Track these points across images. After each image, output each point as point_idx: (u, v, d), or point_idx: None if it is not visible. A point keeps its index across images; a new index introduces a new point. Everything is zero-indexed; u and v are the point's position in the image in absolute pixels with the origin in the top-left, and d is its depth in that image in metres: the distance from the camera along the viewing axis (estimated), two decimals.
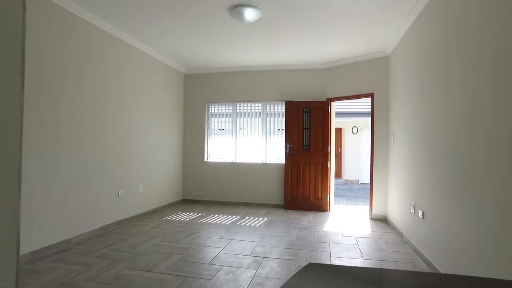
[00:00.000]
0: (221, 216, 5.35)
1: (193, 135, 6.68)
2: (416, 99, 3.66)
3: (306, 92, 6.12)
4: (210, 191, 6.52)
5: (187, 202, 6.56)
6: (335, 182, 10.93)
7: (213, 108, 6.68)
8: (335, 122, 6.29)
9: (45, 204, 3.35)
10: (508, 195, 1.86)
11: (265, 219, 5.18)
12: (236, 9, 3.73)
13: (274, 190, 6.21)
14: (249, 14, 3.78)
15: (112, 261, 3.13)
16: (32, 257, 3.16)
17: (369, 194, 6.54)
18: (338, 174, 12.23)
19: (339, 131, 12.18)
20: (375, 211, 5.29)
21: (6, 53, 1.09)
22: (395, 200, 4.62)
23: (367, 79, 5.37)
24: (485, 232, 2.12)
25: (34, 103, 3.23)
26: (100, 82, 4.20)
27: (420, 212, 3.42)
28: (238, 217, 5.29)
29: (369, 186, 5.41)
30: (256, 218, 5.21)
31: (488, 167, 2.09)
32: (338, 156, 12.28)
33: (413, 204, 3.66)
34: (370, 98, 5.39)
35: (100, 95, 4.19)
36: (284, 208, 6.02)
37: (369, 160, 5.48)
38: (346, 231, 4.50)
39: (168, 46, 5.13)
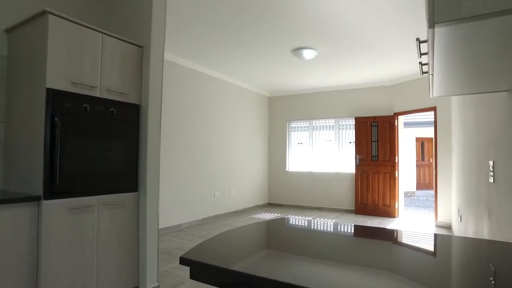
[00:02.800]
0: (297, 217, 6.34)
1: (276, 148, 7.86)
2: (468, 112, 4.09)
3: (374, 108, 6.71)
4: (290, 196, 7.57)
5: (271, 205, 7.73)
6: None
7: (292, 124, 7.77)
8: (403, 134, 6.68)
9: (167, 198, 4.91)
10: None
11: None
12: (296, 51, 4.78)
13: (345, 196, 6.91)
14: (308, 54, 4.78)
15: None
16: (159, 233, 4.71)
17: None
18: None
19: None
20: (440, 218, 5.56)
21: (156, 96, 2.40)
22: (455, 209, 4.92)
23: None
24: None
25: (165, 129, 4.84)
26: (202, 111, 5.72)
27: (463, 220, 3.85)
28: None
29: (434, 195, 5.70)
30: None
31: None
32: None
33: (459, 211, 4.07)
34: (432, 112, 5.72)
35: (203, 121, 5.70)
36: (355, 213, 6.66)
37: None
38: None
39: (252, 77, 6.45)
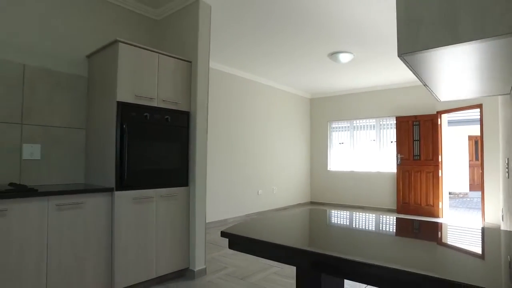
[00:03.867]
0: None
1: (318, 148, 8.07)
2: None
3: (415, 107, 6.66)
4: (332, 195, 7.74)
5: (313, 204, 7.96)
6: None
7: (334, 125, 7.93)
8: (448, 133, 6.56)
9: (215, 195, 5.40)
10: None
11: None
12: (333, 55, 5.00)
13: (387, 195, 6.94)
14: (344, 58, 4.99)
15: None
16: (207, 226, 5.21)
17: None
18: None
19: None
20: (488, 219, 5.42)
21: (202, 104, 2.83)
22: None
23: None
24: None
25: (215, 132, 5.34)
26: (248, 114, 6.15)
27: (505, 220, 3.84)
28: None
29: (481, 195, 5.56)
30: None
31: None
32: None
33: (502, 211, 4.04)
34: (478, 109, 5.60)
35: (249, 124, 6.13)
36: (397, 212, 6.67)
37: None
38: None
39: (293, 81, 6.76)
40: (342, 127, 7.79)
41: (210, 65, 5.44)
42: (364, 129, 7.46)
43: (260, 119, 6.56)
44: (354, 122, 7.59)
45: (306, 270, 1.50)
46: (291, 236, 1.41)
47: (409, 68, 1.49)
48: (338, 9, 3.48)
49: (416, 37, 1.08)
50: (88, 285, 2.37)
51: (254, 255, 1.38)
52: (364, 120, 7.43)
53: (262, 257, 1.32)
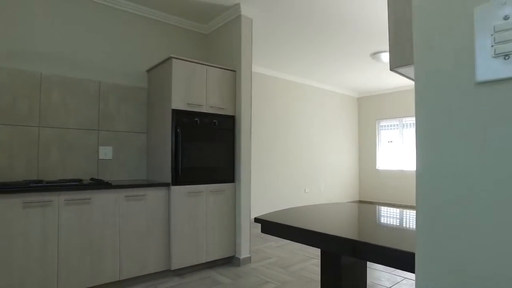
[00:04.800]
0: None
1: (366, 147, 8.04)
2: None
3: None
4: (381, 194, 7.66)
5: (362, 203, 7.94)
6: None
7: (382, 123, 7.84)
8: None
9: (262, 192, 5.74)
10: None
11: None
12: (375, 55, 5.06)
13: None
14: (386, 57, 5.02)
15: None
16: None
17: None
18: None
19: None
20: None
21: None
22: None
23: None
24: None
25: (262, 132, 5.70)
26: (295, 115, 6.41)
27: None
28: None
29: None
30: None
31: None
32: None
33: None
34: None
35: (295, 123, 6.39)
36: None
37: None
38: None
39: (339, 81, 6.86)
40: (391, 125, 7.68)
41: (256, 70, 5.79)
42: (414, 127, 7.29)
43: (306, 119, 6.77)
44: (403, 120, 7.44)
45: (326, 251, 1.75)
46: (313, 222, 1.66)
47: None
48: (373, 12, 3.60)
49: (403, 54, 1.28)
50: (150, 263, 2.83)
51: (281, 237, 1.66)
52: (414, 118, 7.25)
53: (287, 239, 1.59)
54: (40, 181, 2.55)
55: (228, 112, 3.42)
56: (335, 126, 7.51)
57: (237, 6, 3.39)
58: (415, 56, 0.62)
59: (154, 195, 2.89)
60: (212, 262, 3.25)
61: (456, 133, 0.55)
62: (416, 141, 0.62)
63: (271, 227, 1.71)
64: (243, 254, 3.35)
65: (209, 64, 3.28)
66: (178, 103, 3.04)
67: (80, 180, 2.72)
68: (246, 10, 3.43)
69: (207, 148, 3.22)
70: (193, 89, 3.15)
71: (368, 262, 3.33)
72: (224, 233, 3.29)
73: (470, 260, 0.52)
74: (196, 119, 3.16)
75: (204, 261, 3.12)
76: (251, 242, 4.23)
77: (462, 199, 0.54)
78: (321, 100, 7.16)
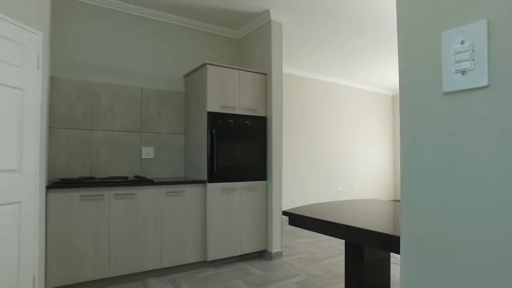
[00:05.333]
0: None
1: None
2: None
3: None
4: None
5: (398, 202, 7.79)
6: None
7: None
8: None
9: (295, 190, 5.87)
10: None
11: None
12: None
13: None
14: None
15: None
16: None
17: None
18: None
19: None
20: None
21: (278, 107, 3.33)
22: None
23: None
24: None
25: (291, 133, 5.84)
26: (327, 114, 6.47)
27: None
28: None
29: None
30: None
31: None
32: None
33: None
34: None
35: (328, 123, 6.46)
36: None
37: None
38: None
39: (372, 80, 6.82)
40: None
41: (288, 71, 5.92)
42: None
43: (339, 118, 6.80)
44: None
45: (350, 245, 1.87)
46: (337, 215, 1.79)
47: None
48: None
49: None
50: (188, 252, 3.07)
51: (306, 229, 1.81)
52: None
53: (312, 231, 1.74)
54: (93, 178, 2.88)
55: (260, 114, 3.59)
56: (368, 125, 7.45)
57: (267, 13, 3.56)
58: (399, 70, 0.75)
59: (191, 191, 3.13)
60: (245, 255, 3.44)
61: (429, 132, 0.68)
62: (401, 139, 0.75)
63: (296, 219, 1.86)
64: (275, 248, 3.51)
65: (241, 68, 3.48)
66: (213, 106, 3.27)
67: (126, 177, 3.02)
68: (275, 16, 3.59)
69: (240, 147, 3.42)
70: (227, 92, 3.36)
71: (392, 259, 3.35)
72: (256, 228, 3.47)
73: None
74: (229, 120, 3.37)
75: (237, 254, 3.32)
76: (282, 238, 4.38)
77: (435, 191, 0.66)
78: (353, 99, 7.15)
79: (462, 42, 0.62)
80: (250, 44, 3.99)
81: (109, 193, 2.72)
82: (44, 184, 2.40)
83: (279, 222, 3.56)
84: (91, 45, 3.26)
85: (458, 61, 0.63)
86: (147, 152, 3.52)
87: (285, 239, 4.33)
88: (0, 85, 2.00)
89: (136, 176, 3.20)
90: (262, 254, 3.57)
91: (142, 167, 3.48)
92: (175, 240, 3.01)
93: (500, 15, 0.58)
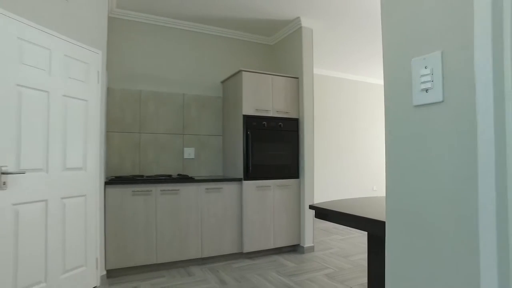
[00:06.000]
0: None
1: None
2: None
3: None
4: None
5: None
6: None
7: None
8: None
9: (331, 189, 5.99)
10: None
11: None
12: None
13: None
14: None
15: None
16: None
17: None
18: None
19: None
20: None
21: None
22: None
23: None
24: None
25: (323, 132, 5.97)
26: (361, 113, 6.52)
27: None
28: None
29: None
30: None
31: None
32: None
33: None
34: None
35: (363, 122, 6.50)
36: None
37: None
38: None
39: None
40: None
41: (321, 73, 6.05)
42: None
43: (372, 117, 6.79)
44: None
45: (372, 238, 2.03)
46: (360, 208, 1.96)
47: None
48: None
49: None
50: (225, 244, 3.36)
51: (330, 221, 2.00)
52: None
53: (336, 223, 1.92)
54: (141, 176, 3.25)
55: (292, 115, 3.80)
56: None
57: (297, 20, 3.75)
58: (384, 86, 0.94)
59: (228, 188, 3.42)
60: (278, 249, 3.67)
61: (404, 134, 0.86)
62: (385, 140, 0.94)
63: (320, 212, 2.05)
64: (307, 243, 3.69)
65: (274, 73, 3.71)
66: (248, 109, 3.53)
67: (170, 175, 3.37)
68: (306, 22, 3.77)
69: (273, 147, 3.65)
70: (261, 96, 3.61)
71: None
72: (289, 224, 3.68)
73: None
74: (263, 122, 3.61)
75: (271, 247, 3.56)
76: (316, 234, 4.55)
77: (413, 184, 0.85)
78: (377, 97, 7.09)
79: (426, 67, 0.81)
80: (283, 49, 4.20)
81: (156, 189, 3.07)
82: (103, 181, 2.79)
83: (311, 218, 3.75)
84: (139, 58, 3.66)
85: (423, 81, 0.81)
86: (189, 153, 3.86)
87: (319, 236, 4.49)
88: (71, 98, 2.40)
89: (179, 174, 3.55)
90: (295, 248, 3.77)
91: (184, 166, 3.82)
92: (214, 232, 3.31)
93: (449, 48, 0.76)
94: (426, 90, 0.81)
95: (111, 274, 2.91)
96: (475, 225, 0.71)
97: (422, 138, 0.82)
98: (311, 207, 2.13)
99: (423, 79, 0.81)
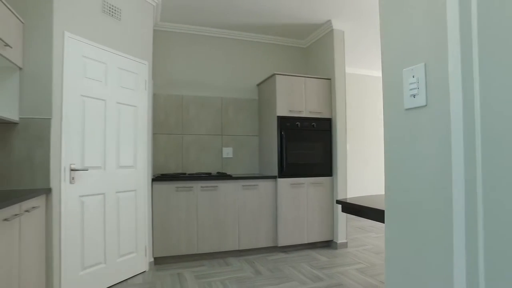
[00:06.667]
0: None
1: None
2: None
3: None
4: None
5: None
6: None
7: None
8: None
9: (365, 189, 5.99)
10: None
11: None
12: None
13: None
14: None
15: None
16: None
17: None
18: None
19: None
20: None
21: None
22: None
23: None
24: None
25: (355, 131, 5.99)
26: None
27: None
28: None
29: None
30: None
31: None
32: None
33: None
34: None
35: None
36: None
37: None
38: None
39: None
40: None
41: (356, 72, 6.06)
42: None
43: None
44: None
45: None
46: (382, 202, 2.07)
47: None
48: None
49: None
50: (261, 238, 3.57)
51: (355, 215, 2.13)
52: None
53: (357, 216, 2.06)
54: (184, 173, 3.56)
55: (325, 115, 3.92)
56: None
57: (329, 23, 3.87)
58: (382, 91, 1.09)
59: (264, 185, 3.62)
60: (312, 244, 3.81)
61: (398, 134, 1.01)
62: (384, 139, 1.09)
63: (346, 206, 2.19)
64: (340, 239, 3.80)
65: (307, 75, 3.85)
66: (282, 111, 3.71)
67: (209, 173, 3.65)
68: (337, 25, 3.88)
69: (307, 146, 3.80)
70: (294, 97, 3.78)
71: None
72: (322, 220, 3.81)
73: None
74: (297, 123, 3.77)
75: (305, 242, 3.71)
76: (348, 230, 4.61)
77: (405, 179, 0.99)
78: None
79: (413, 76, 0.95)
80: (316, 51, 4.33)
81: (197, 186, 3.36)
82: (150, 178, 3.13)
83: (344, 215, 3.84)
84: (181, 65, 3.99)
85: (411, 88, 0.95)
86: (227, 152, 4.12)
87: (354, 233, 4.55)
88: (123, 104, 2.75)
89: (218, 172, 3.82)
90: (328, 244, 3.89)
91: (223, 165, 4.09)
92: (250, 226, 3.53)
93: (431, 61, 0.90)
94: (414, 96, 0.95)
95: (158, 261, 3.24)
96: (450, 215, 0.85)
97: (412, 138, 0.97)
98: (338, 201, 2.28)
99: (411, 86, 0.96)
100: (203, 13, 3.66)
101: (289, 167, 3.70)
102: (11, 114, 2.04)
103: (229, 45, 4.22)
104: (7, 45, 1.78)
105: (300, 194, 3.73)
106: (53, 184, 2.20)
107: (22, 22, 2.11)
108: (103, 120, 2.59)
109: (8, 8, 1.84)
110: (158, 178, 3.21)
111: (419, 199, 0.94)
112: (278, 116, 3.69)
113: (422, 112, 0.93)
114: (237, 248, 3.47)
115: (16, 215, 1.62)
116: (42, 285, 2.08)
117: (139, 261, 2.93)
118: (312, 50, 4.42)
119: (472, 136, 0.79)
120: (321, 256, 3.48)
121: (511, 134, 0.70)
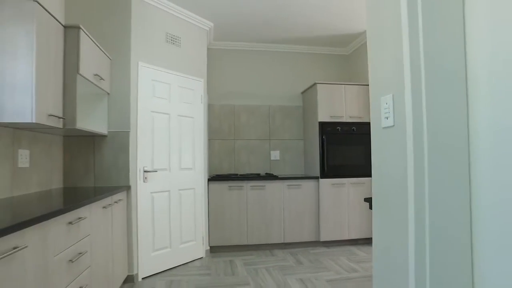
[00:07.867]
0: None
1: None
2: None
3: None
4: None
5: None
6: None
7: None
8: None
9: None
10: None
11: None
12: None
13: None
14: None
15: None
16: None
17: None
18: None
19: None
20: None
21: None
22: None
23: None
24: None
25: None
26: None
27: None
28: None
29: None
30: None
31: None
32: None
33: None
34: None
35: None
36: None
37: None
38: None
39: None
40: None
41: None
42: None
43: None
44: None
45: None
46: None
47: None
48: None
49: None
50: (304, 233, 3.91)
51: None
52: None
53: None
54: (236, 174, 4.05)
55: (365, 120, 4.14)
56: None
57: None
58: (370, 112, 1.41)
59: (307, 185, 3.97)
60: (353, 240, 4.06)
61: (379, 146, 1.33)
62: (371, 150, 1.41)
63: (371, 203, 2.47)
64: None
65: (346, 83, 4.12)
66: (323, 116, 4.02)
67: (258, 174, 4.09)
68: None
69: (347, 149, 4.06)
70: (334, 104, 4.07)
71: None
72: (363, 218, 4.04)
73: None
74: (337, 127, 4.06)
75: (346, 238, 3.97)
76: None
77: (387, 184, 1.31)
78: None
79: (386, 103, 1.28)
80: (358, 58, 4.55)
81: (247, 185, 3.82)
82: (206, 178, 3.66)
83: None
84: (232, 77, 4.50)
85: (385, 112, 1.28)
86: (274, 155, 4.53)
87: None
88: (183, 116, 3.31)
89: (266, 173, 4.25)
90: (369, 241, 4.10)
91: (271, 166, 4.52)
92: (294, 222, 3.90)
93: (396, 92, 1.22)
94: (387, 118, 1.28)
95: (213, 249, 3.76)
96: (405, 204, 1.17)
97: (386, 148, 1.29)
98: (365, 199, 2.56)
99: (385, 110, 1.28)
100: (251, 31, 4.12)
101: (330, 168, 4.00)
102: (103, 129, 2.69)
103: (276, 57, 4.63)
104: (101, 78, 2.40)
105: (341, 193, 4.00)
106: (131, 182, 2.82)
107: (110, 59, 2.75)
108: (167, 130, 3.17)
109: (102, 51, 2.47)
110: (213, 178, 3.74)
111: (390, 193, 1.27)
112: (319, 122, 4.01)
113: (391, 130, 1.25)
114: (282, 241, 3.87)
115: (109, 204, 2.21)
116: (125, 261, 2.69)
117: (197, 248, 3.48)
118: (355, 56, 4.65)
119: (420, 148, 1.11)
120: (360, 251, 3.72)
121: (448, 147, 1.01)
